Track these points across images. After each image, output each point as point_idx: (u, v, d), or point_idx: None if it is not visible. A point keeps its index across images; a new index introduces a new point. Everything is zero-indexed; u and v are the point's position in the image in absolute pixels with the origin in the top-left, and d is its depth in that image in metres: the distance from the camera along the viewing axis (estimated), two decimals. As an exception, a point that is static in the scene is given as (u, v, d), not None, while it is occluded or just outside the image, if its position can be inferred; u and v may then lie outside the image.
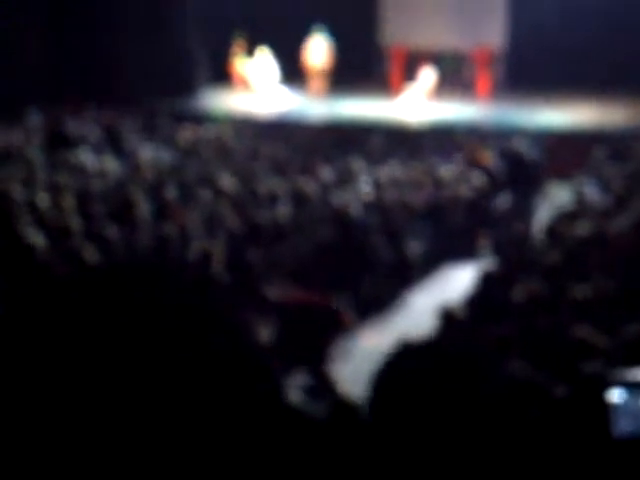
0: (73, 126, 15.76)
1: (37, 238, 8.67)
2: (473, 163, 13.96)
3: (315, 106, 20.33)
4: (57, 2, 20.06)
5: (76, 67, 19.45)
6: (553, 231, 10.26)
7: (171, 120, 17.55)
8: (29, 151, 13.81)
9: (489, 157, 14.28)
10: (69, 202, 10.38)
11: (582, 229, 9.74)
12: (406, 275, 11.22)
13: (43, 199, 10.44)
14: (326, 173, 13.24)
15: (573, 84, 19.78)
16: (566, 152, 15.88)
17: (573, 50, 20.46)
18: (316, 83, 21.62)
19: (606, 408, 2.36)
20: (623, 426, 2.35)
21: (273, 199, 11.43)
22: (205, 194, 11.43)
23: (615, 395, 2.36)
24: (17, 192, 10.61)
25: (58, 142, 14.64)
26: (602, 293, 7.65)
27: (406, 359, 4.84)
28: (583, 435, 3.56)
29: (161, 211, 10.57)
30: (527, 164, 13.96)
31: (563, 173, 14.77)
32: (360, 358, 9.19)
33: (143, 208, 10.44)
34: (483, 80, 22.19)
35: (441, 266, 12.02)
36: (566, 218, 10.64)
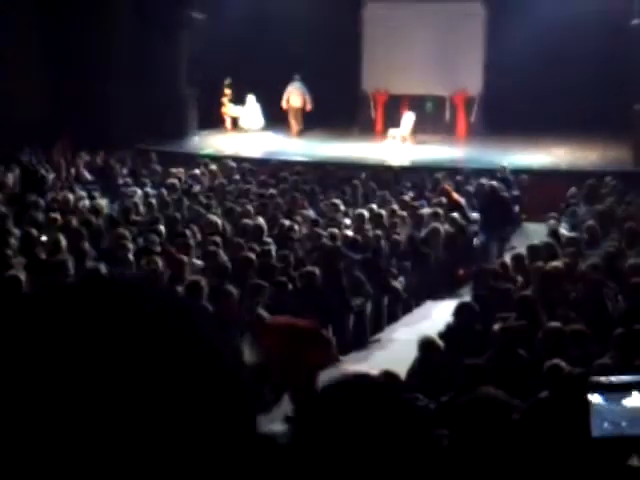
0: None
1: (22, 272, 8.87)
2: (450, 202, 14.42)
3: (300, 147, 20.84)
4: (54, 50, 20.53)
5: (71, 111, 19.91)
6: (528, 266, 10.62)
7: (162, 161, 17.99)
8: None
9: (462, 196, 14.82)
10: (61, 240, 10.65)
11: (555, 265, 10.11)
12: (389, 309, 11.54)
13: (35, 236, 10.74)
14: (310, 211, 13.64)
15: (547, 127, 20.41)
16: (541, 191, 16.37)
17: (546, 95, 21.14)
18: (295, 124, 22.22)
19: (587, 410, 2.55)
20: (601, 428, 2.53)
21: (260, 236, 11.73)
22: (195, 232, 11.74)
23: (595, 398, 2.54)
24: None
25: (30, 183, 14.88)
26: (574, 327, 7.87)
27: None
28: (564, 435, 3.65)
29: (150, 249, 10.80)
30: (502, 202, 14.41)
31: (539, 211, 15.23)
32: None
33: (132, 247, 10.73)
34: (462, 122, 22.82)
35: (423, 300, 12.36)
36: (540, 254, 10.96)
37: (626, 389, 2.53)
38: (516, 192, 16.22)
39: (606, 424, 2.49)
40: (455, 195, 14.67)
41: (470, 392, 5.60)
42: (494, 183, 15.18)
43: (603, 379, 2.82)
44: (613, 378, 3.05)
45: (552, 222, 13.18)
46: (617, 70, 20.10)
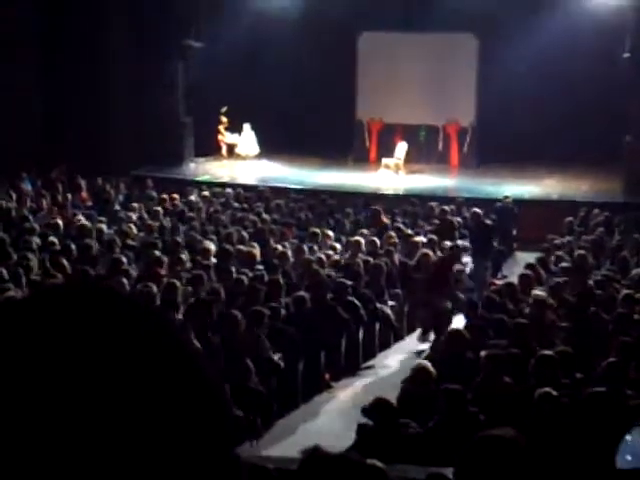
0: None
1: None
2: (441, 230, 14.58)
3: (295, 175, 21.01)
4: (53, 78, 20.76)
5: (68, 138, 20.10)
6: (519, 294, 10.75)
7: (158, 187, 18.15)
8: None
9: (455, 225, 15.00)
10: (62, 263, 10.78)
11: (544, 293, 10.25)
12: (381, 336, 11.61)
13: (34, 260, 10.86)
14: (303, 238, 13.77)
15: (539, 157, 20.66)
16: (532, 221, 16.54)
17: (538, 125, 21.39)
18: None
19: (618, 441, 2.55)
20: (627, 460, 2.54)
21: (252, 262, 11.85)
22: (190, 257, 11.87)
23: (630, 432, 2.55)
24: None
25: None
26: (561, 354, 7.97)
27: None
28: (589, 462, 3.58)
29: (147, 272, 10.92)
30: (485, 229, 14.60)
31: (530, 240, 15.39)
32: (336, 412, 9.59)
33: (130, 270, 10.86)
34: (454, 152, 23.06)
35: (415, 326, 12.45)
36: (531, 282, 11.09)
37: None
38: (512, 223, 16.37)
39: (629, 457, 2.54)
40: (447, 223, 14.86)
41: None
42: (477, 210, 15.40)
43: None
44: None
45: (544, 250, 13.35)
46: (608, 102, 20.35)
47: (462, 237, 14.92)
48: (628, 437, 2.50)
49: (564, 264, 12.29)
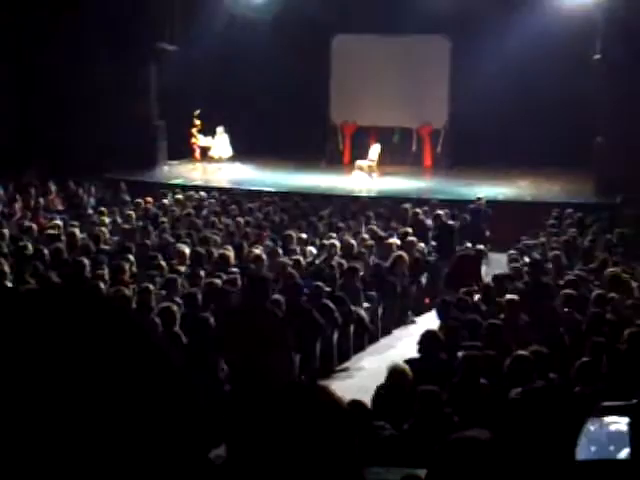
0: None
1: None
2: (415, 230, 14.68)
3: (268, 178, 21.00)
4: (24, 80, 20.59)
5: (40, 141, 19.94)
6: (491, 294, 10.81)
7: (131, 191, 18.08)
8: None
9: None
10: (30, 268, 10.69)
11: (516, 292, 10.31)
12: (356, 338, 11.62)
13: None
14: (277, 241, 13.76)
15: (511, 159, 20.78)
16: (505, 222, 16.63)
17: (511, 127, 21.51)
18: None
19: (577, 434, 2.55)
20: (588, 451, 2.53)
21: (226, 265, 11.82)
22: (163, 260, 11.82)
23: (588, 422, 2.55)
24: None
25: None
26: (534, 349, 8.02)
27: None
28: (548, 458, 3.60)
29: (119, 276, 10.86)
30: (448, 230, 14.76)
31: (503, 242, 15.47)
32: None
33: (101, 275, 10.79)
34: (428, 154, 23.16)
35: (389, 329, 12.49)
36: (503, 282, 11.15)
37: (614, 414, 2.60)
38: (485, 224, 16.47)
39: (593, 448, 2.54)
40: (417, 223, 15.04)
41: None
42: (439, 212, 15.50)
43: (600, 406, 2.85)
44: (602, 403, 3.06)
45: (516, 250, 13.45)
46: (579, 104, 20.49)
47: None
48: (591, 427, 2.51)
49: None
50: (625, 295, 10.28)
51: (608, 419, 2.51)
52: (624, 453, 2.51)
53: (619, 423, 2.48)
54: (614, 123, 19.06)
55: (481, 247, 14.53)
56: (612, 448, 2.46)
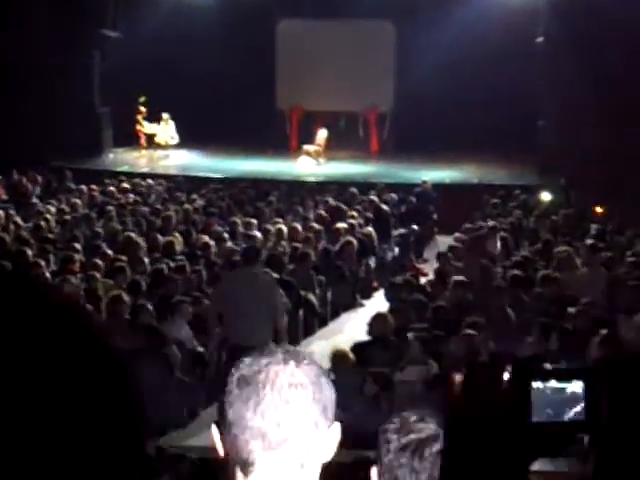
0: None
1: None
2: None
3: (215, 164, 20.90)
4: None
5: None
6: (439, 276, 10.93)
7: (77, 178, 17.86)
8: None
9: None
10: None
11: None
12: (305, 323, 11.65)
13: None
14: (223, 227, 13.71)
15: (458, 143, 20.90)
16: (452, 205, 16.78)
17: (456, 111, 21.60)
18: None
19: (528, 396, 2.60)
20: (542, 413, 2.59)
21: (172, 252, 11.76)
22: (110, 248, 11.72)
23: (538, 384, 2.60)
24: None
25: None
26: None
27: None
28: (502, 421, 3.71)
29: (65, 266, 10.74)
30: (382, 216, 14.93)
31: (450, 225, 15.59)
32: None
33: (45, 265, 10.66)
34: (374, 138, 23.22)
35: (338, 313, 12.53)
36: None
37: (568, 376, 2.69)
38: (432, 207, 16.61)
39: (549, 410, 2.62)
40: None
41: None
42: (373, 197, 15.65)
43: (547, 366, 2.93)
44: (556, 365, 3.14)
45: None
46: (522, 87, 20.68)
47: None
48: (547, 391, 2.57)
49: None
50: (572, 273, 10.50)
51: (563, 383, 2.58)
52: (579, 414, 2.61)
53: (574, 386, 2.56)
54: (556, 105, 19.30)
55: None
56: (567, 409, 2.55)
